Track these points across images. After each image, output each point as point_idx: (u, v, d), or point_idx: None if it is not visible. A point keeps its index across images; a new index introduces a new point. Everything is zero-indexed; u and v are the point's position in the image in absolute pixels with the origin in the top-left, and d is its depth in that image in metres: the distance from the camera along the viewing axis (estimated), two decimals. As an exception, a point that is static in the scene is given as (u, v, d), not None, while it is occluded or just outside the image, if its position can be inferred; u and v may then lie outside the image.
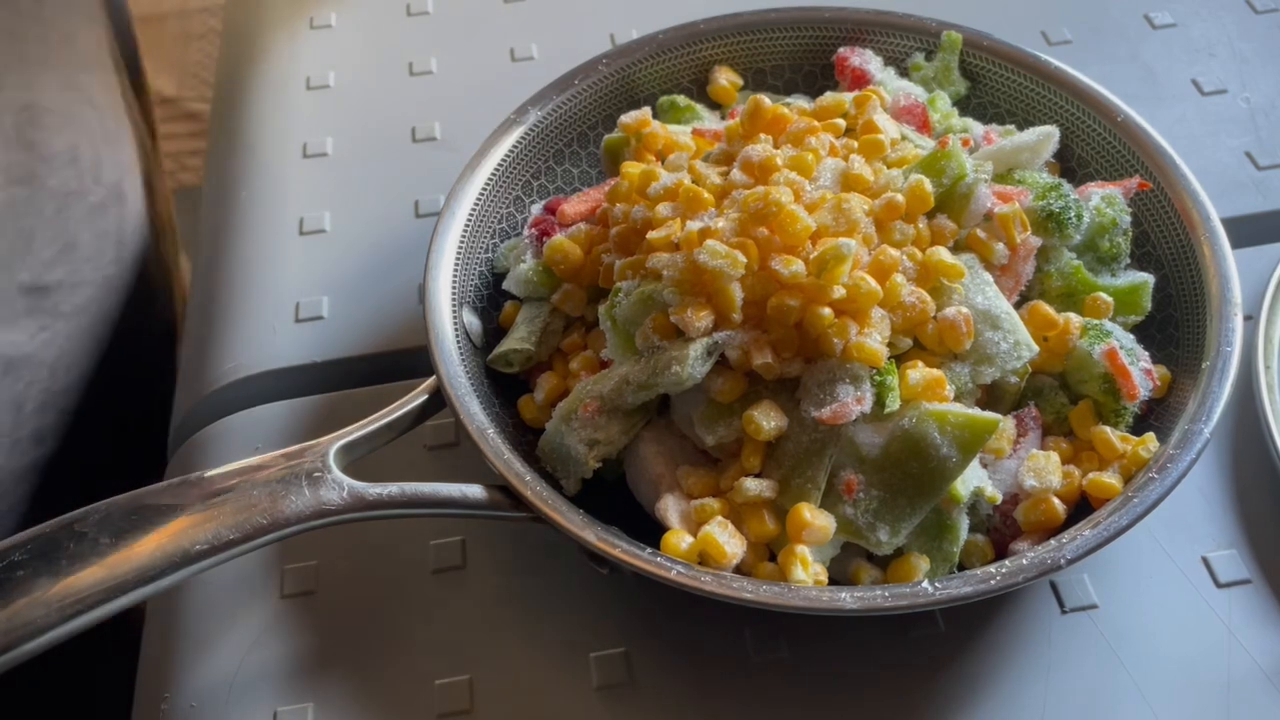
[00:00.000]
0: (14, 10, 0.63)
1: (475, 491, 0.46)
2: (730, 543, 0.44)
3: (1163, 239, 0.53)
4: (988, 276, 0.49)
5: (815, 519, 0.44)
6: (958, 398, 0.46)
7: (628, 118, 0.56)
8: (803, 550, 0.44)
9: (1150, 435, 0.47)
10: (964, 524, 0.46)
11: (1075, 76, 0.57)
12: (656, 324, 0.46)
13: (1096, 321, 0.50)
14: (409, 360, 0.58)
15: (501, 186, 0.57)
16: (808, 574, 0.43)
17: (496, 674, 0.48)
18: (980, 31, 0.60)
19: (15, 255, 0.62)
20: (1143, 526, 0.43)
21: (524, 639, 0.49)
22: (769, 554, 0.45)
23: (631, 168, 0.52)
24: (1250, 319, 0.54)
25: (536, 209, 0.56)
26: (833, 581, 0.45)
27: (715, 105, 0.61)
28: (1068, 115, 0.57)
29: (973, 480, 0.46)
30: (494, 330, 0.54)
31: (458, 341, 0.51)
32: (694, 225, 0.47)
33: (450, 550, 0.52)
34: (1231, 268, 0.50)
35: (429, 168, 0.67)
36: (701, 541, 0.44)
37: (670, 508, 0.46)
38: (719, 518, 0.45)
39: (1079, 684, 0.47)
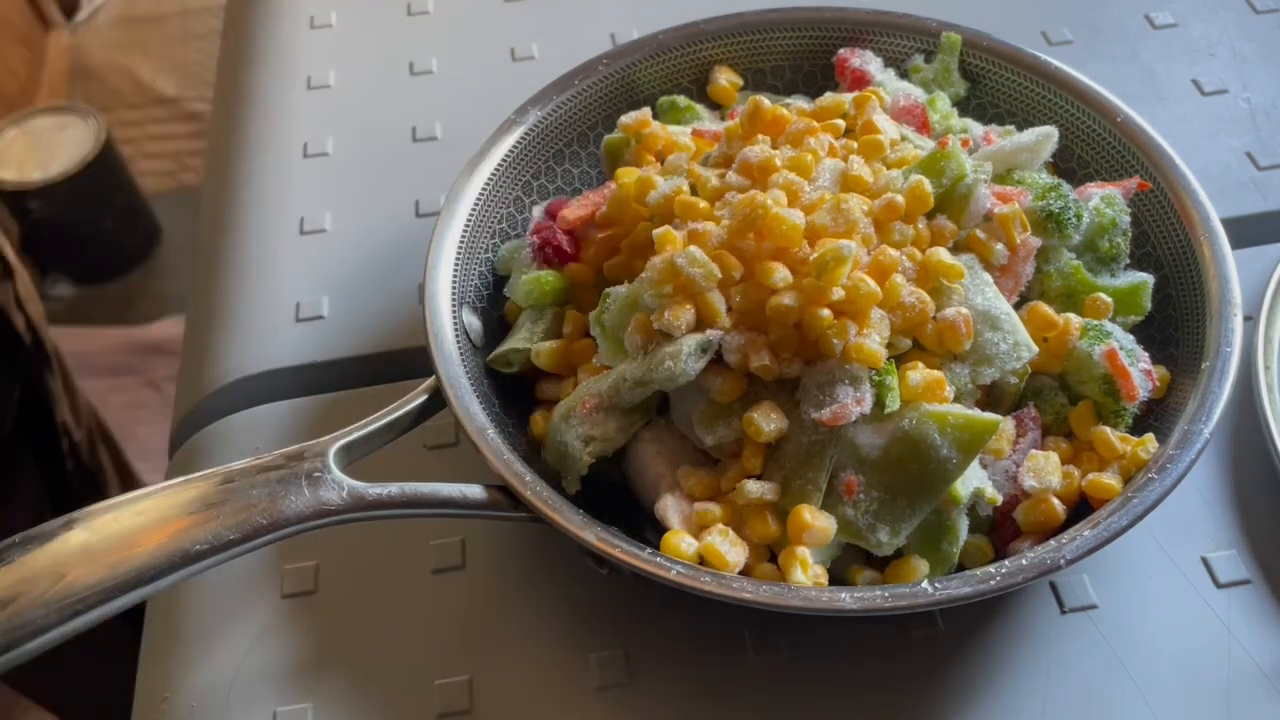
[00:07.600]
0: None
1: (475, 491, 0.46)
2: (732, 552, 0.44)
3: (1162, 239, 0.53)
4: (987, 277, 0.49)
5: (816, 520, 0.44)
6: (957, 398, 0.46)
7: (628, 118, 0.56)
8: (803, 552, 0.44)
9: (1150, 436, 0.47)
10: (964, 525, 0.46)
11: (1075, 76, 0.57)
12: (640, 326, 0.46)
13: (1096, 322, 0.50)
14: (409, 360, 0.58)
15: (502, 186, 0.57)
16: (807, 576, 0.43)
17: (496, 674, 0.48)
18: (980, 32, 0.60)
19: None
20: (1142, 527, 0.43)
21: (524, 639, 0.49)
22: (769, 555, 0.45)
23: (626, 175, 0.52)
24: (1250, 319, 0.54)
25: (537, 210, 0.56)
26: (833, 582, 0.45)
27: (715, 106, 0.61)
28: (1068, 115, 0.57)
29: (972, 481, 0.46)
30: (494, 330, 0.54)
31: (458, 341, 0.51)
32: (679, 234, 0.47)
33: (450, 550, 0.52)
34: (1231, 268, 0.50)
35: (429, 167, 0.67)
36: (703, 551, 0.44)
37: (670, 508, 0.46)
38: (720, 526, 0.45)
39: (1079, 684, 0.47)
